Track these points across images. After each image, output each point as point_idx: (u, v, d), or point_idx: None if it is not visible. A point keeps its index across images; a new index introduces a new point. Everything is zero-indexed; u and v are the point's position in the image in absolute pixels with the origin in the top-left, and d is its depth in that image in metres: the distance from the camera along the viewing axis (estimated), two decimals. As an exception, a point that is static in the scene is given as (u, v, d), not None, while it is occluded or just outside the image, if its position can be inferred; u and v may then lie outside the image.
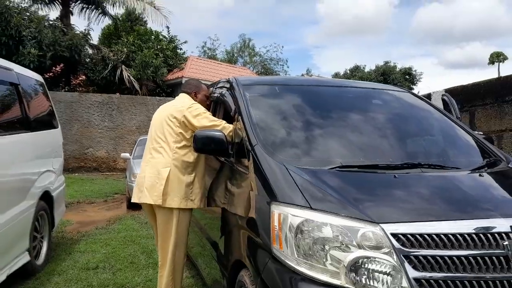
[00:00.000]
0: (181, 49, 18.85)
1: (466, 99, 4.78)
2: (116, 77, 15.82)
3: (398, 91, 3.62)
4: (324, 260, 1.89)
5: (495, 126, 4.39)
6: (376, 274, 1.83)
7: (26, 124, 4.06)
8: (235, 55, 29.43)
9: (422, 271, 1.81)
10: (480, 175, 2.43)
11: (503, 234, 1.91)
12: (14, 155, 3.69)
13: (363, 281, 1.83)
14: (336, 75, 45.71)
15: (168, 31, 18.63)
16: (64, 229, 6.35)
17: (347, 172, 2.31)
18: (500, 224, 1.94)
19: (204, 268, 3.55)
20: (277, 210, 2.08)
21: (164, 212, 3.17)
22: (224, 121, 3.18)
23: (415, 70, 41.17)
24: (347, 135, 2.78)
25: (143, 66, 16.24)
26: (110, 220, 7.06)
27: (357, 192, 2.16)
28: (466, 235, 1.88)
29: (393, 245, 1.84)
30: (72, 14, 17.17)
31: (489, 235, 1.90)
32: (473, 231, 1.89)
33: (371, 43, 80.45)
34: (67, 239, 5.78)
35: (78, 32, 15.68)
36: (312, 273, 1.89)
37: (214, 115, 3.64)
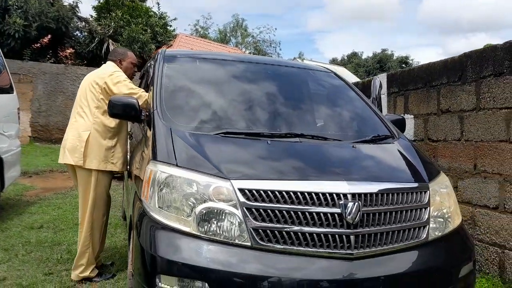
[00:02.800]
0: (170, 26, 18.86)
1: (403, 83, 4.95)
2: (103, 51, 15.88)
3: (322, 71, 3.80)
4: (181, 210, 2.11)
5: (423, 109, 4.58)
6: (222, 223, 2.05)
7: (-29, 87, 4.25)
8: (228, 35, 29.40)
9: (261, 222, 2.03)
10: (353, 146, 2.65)
11: (341, 195, 2.13)
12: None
13: (211, 229, 2.05)
14: (334, 61, 45.74)
15: (159, 7, 18.62)
16: (25, 193, 6.59)
17: (228, 137, 2.51)
18: (341, 187, 2.15)
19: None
20: (151, 167, 2.30)
21: (84, 173, 3.39)
22: (142, 90, 3.37)
23: (412, 59, 41.20)
24: (245, 107, 2.97)
25: (130, 41, 16.27)
26: (72, 187, 7.29)
27: (224, 154, 2.37)
28: (306, 193, 2.09)
29: (238, 198, 2.05)
30: (62, -15, 17.13)
31: (327, 194, 2.11)
32: (313, 190, 2.10)
33: (376, 30, 79.95)
34: (23, 201, 6.02)
35: (66, 4, 15.68)
36: (169, 222, 2.10)
37: (145, 85, 3.84)
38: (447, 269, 2.29)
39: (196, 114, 2.85)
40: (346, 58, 45.90)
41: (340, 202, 2.11)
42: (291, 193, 2.08)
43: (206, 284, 1.95)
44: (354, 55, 45.28)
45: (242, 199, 2.05)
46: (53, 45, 16.40)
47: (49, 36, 15.90)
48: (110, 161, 3.41)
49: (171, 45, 17.77)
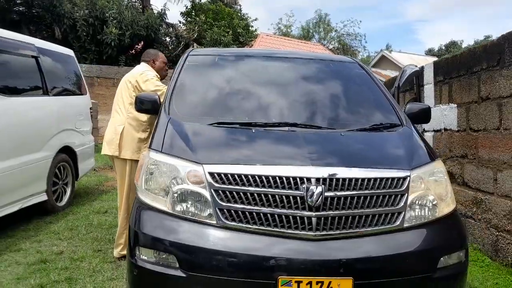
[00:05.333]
0: (252, 26, 19.43)
1: (447, 71, 4.67)
2: (188, 54, 16.93)
3: (344, 61, 3.81)
4: (160, 191, 2.37)
5: (465, 97, 4.30)
6: (194, 202, 2.27)
7: (45, 90, 4.99)
8: (311, 31, 29.28)
9: (226, 203, 2.21)
10: (341, 134, 2.69)
11: (305, 179, 2.22)
12: (28, 114, 4.62)
13: (183, 208, 2.29)
14: (430, 51, 43.05)
15: (240, 9, 19.29)
16: (104, 183, 7.42)
17: (219, 127, 2.72)
18: (306, 171, 2.24)
19: None
20: (144, 153, 2.61)
21: (120, 162, 3.83)
22: (166, 87, 3.71)
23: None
24: (249, 99, 3.14)
25: (213, 43, 17.13)
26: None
27: (207, 141, 2.59)
28: (270, 177, 2.22)
29: (208, 181, 2.26)
30: (152, -5, 18.62)
31: (291, 178, 2.22)
32: (278, 174, 2.23)
33: (486, 15, 72.89)
34: (99, 190, 6.82)
35: (155, 12, 17.02)
36: (151, 201, 2.38)
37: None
38: (420, 257, 2.25)
39: (200, 106, 3.10)
40: (444, 48, 42.91)
41: (303, 186, 2.20)
42: (256, 176, 2.23)
43: (174, 257, 2.19)
44: (452, 44, 42.18)
45: (211, 181, 2.25)
46: (144, 50, 17.88)
47: (142, 42, 17.39)
48: (143, 152, 3.81)
49: (252, 45, 18.32)
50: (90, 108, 6.19)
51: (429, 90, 5.10)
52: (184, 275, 2.15)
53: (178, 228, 2.25)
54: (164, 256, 2.23)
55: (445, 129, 4.72)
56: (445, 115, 4.71)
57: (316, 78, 3.48)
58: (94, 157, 6.41)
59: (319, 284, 2.09)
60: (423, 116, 3.26)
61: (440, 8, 72.13)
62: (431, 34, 74.71)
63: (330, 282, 2.09)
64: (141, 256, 2.28)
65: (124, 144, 3.77)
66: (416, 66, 4.91)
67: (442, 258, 2.29)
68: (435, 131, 4.97)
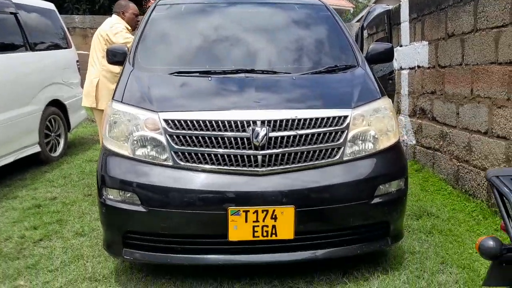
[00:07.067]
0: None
1: (420, 8, 4.66)
2: None
3: (309, 4, 3.84)
4: (121, 138, 2.60)
5: (435, 35, 4.34)
6: (152, 147, 2.51)
7: (27, 45, 5.11)
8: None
9: (180, 146, 2.44)
10: (293, 78, 2.85)
11: (251, 122, 2.42)
12: (13, 70, 4.78)
13: (144, 152, 2.52)
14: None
15: None
16: (98, 134, 7.68)
17: (179, 76, 2.89)
18: (252, 114, 2.45)
19: None
20: (108, 104, 2.81)
21: (98, 113, 4.06)
22: (135, 38, 3.83)
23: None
24: (211, 48, 3.26)
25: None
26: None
27: (163, 90, 2.78)
28: (219, 121, 2.43)
29: (163, 127, 2.47)
30: None
31: (238, 122, 2.42)
32: (227, 118, 2.43)
33: None
34: (94, 140, 7.11)
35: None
36: (114, 147, 2.61)
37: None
38: (357, 186, 2.49)
39: (163, 57, 3.25)
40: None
41: (250, 128, 2.41)
42: (207, 121, 2.44)
43: (136, 195, 2.45)
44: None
45: (166, 127, 2.47)
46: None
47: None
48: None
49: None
50: (77, 61, 6.31)
51: (405, 28, 5.13)
52: (145, 210, 2.42)
53: (139, 170, 2.49)
54: (128, 195, 2.49)
55: (418, 66, 4.82)
56: (418, 53, 4.79)
57: (278, 23, 3.56)
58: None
59: (265, 213, 2.35)
60: (386, 55, 3.35)
61: None
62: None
63: (274, 210, 2.35)
64: (108, 196, 2.55)
65: (100, 96, 3.97)
66: (388, 5, 4.91)
67: (381, 186, 2.53)
68: (410, 68, 5.06)
